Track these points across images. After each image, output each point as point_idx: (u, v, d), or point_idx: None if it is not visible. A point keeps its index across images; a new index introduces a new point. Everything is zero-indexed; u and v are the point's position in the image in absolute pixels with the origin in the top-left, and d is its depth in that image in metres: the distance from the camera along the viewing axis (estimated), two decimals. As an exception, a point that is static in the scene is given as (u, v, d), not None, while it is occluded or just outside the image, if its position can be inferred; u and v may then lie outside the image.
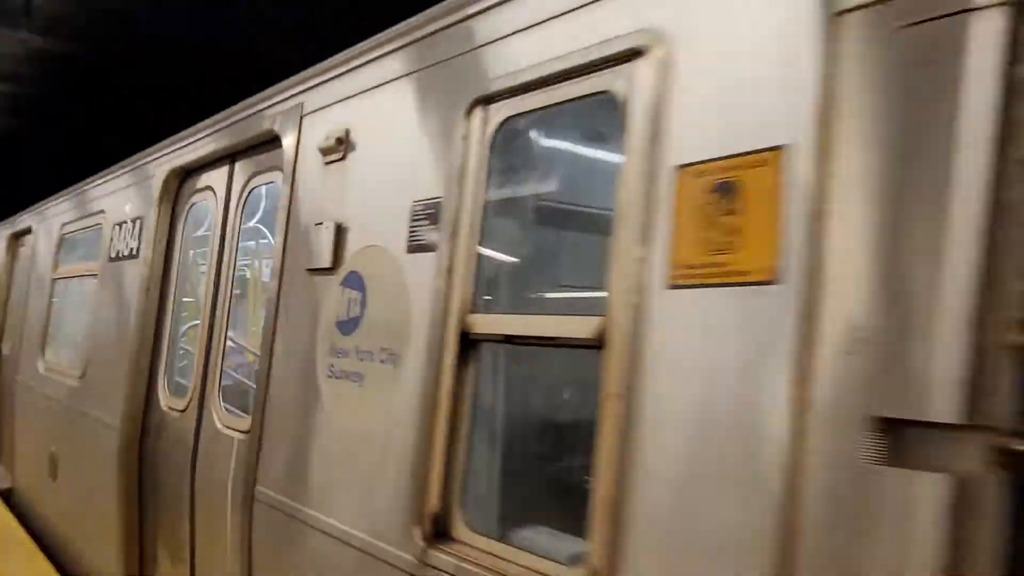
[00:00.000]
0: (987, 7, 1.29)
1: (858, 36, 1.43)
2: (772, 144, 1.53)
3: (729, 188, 1.59)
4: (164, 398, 4.29)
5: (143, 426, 4.39)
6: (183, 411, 3.99)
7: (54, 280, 6.69)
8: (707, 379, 1.58)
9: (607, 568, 1.70)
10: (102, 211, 5.65)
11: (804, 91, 1.49)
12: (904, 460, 1.30)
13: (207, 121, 4.24)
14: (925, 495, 1.28)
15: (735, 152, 1.59)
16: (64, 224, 6.66)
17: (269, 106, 3.51)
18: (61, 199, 6.98)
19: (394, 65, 2.71)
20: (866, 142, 1.40)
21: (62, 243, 6.69)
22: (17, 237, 8.53)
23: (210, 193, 4.17)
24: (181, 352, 4.50)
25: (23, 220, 8.32)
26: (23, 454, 6.91)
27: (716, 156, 1.62)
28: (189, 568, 3.77)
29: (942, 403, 1.27)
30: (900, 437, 1.30)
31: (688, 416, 1.61)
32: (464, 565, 2.08)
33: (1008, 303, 1.28)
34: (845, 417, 1.36)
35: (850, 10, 1.45)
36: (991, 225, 1.27)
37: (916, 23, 1.36)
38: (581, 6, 2.02)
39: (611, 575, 1.69)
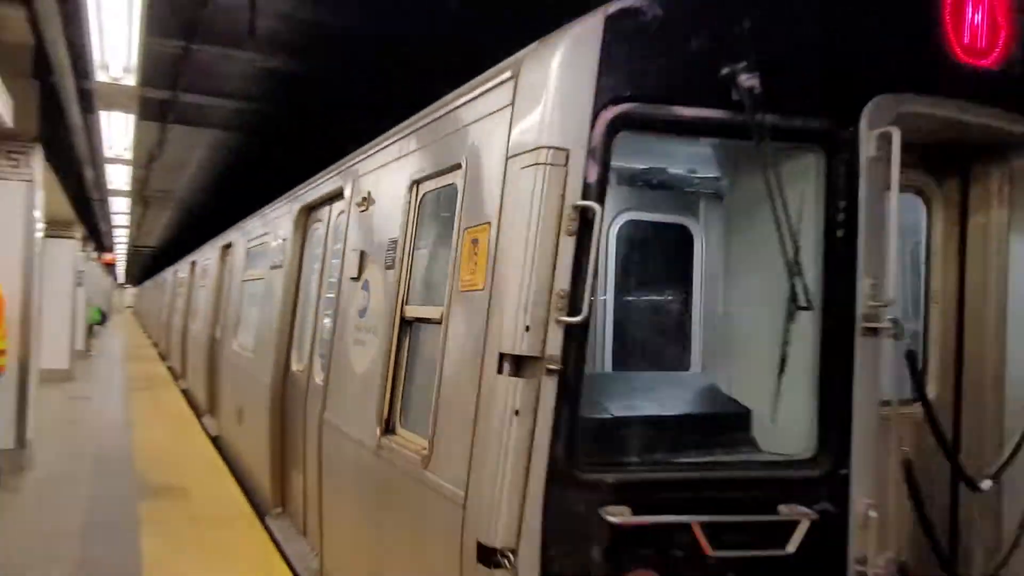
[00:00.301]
0: (547, 165, 2.77)
1: (511, 171, 2.94)
2: (487, 220, 3.06)
3: (476, 241, 3.14)
4: (294, 363, 6.33)
5: (283, 382, 6.46)
6: (302, 371, 5.98)
7: (243, 282, 9.11)
8: (466, 339, 3.14)
9: (431, 434, 3.30)
10: (267, 232, 7.88)
11: (497, 192, 3.01)
12: (507, 371, 2.80)
13: (320, 173, 6.21)
14: (518, 388, 2.78)
15: (478, 223, 3.14)
16: (249, 240, 9.06)
17: (343, 171, 5.37)
18: (247, 221, 9.43)
19: (386, 154, 4.43)
20: (506, 221, 2.91)
21: (248, 255, 9.10)
22: (226, 248, 11.24)
23: (321, 224, 6.13)
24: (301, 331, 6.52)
25: (228, 235, 11.00)
26: (224, 410, 9.45)
27: (473, 224, 3.18)
28: (303, 473, 5.73)
29: (518, 344, 2.76)
30: (506, 361, 2.81)
31: (455, 359, 3.18)
32: (394, 446, 3.76)
33: (555, 296, 2.76)
34: (495, 352, 2.88)
35: (510, 158, 2.96)
36: (547, 256, 2.75)
37: (525, 167, 2.85)
38: (447, 135, 3.62)
39: (433, 438, 3.29)
